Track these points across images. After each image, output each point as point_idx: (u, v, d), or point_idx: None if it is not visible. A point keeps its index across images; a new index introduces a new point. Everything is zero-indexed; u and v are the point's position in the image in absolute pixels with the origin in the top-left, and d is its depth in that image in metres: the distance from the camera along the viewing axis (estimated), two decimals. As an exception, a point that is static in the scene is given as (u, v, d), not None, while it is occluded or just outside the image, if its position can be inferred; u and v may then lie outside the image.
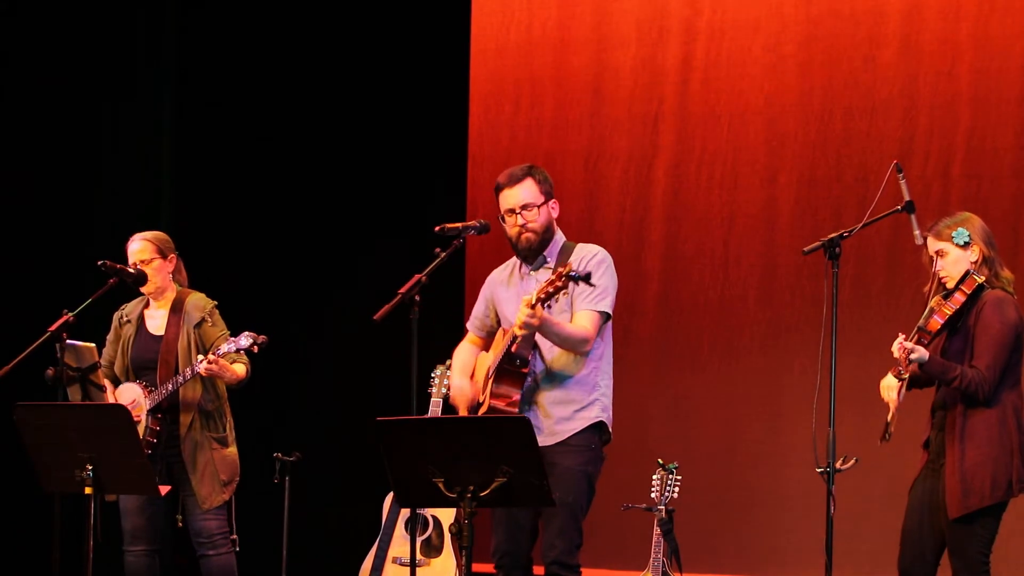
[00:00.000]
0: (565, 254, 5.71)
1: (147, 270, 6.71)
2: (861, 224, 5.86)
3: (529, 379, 5.61)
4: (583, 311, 5.58)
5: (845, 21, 8.02)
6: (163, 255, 6.76)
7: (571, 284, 5.38)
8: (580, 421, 5.63)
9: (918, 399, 5.91)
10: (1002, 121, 7.69)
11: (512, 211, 5.68)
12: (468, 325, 6.02)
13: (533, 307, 5.29)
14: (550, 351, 5.62)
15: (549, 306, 5.38)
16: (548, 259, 5.73)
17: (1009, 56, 7.69)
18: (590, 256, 5.68)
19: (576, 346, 5.59)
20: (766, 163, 8.17)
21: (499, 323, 5.88)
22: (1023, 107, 7.66)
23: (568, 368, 5.63)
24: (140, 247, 6.76)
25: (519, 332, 5.43)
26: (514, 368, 5.59)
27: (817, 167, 8.05)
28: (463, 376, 5.85)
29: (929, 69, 7.84)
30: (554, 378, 5.63)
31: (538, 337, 5.57)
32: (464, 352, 5.96)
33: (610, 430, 5.72)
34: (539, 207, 5.68)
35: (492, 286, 5.91)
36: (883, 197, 5.85)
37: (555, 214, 5.75)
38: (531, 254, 5.73)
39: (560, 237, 5.78)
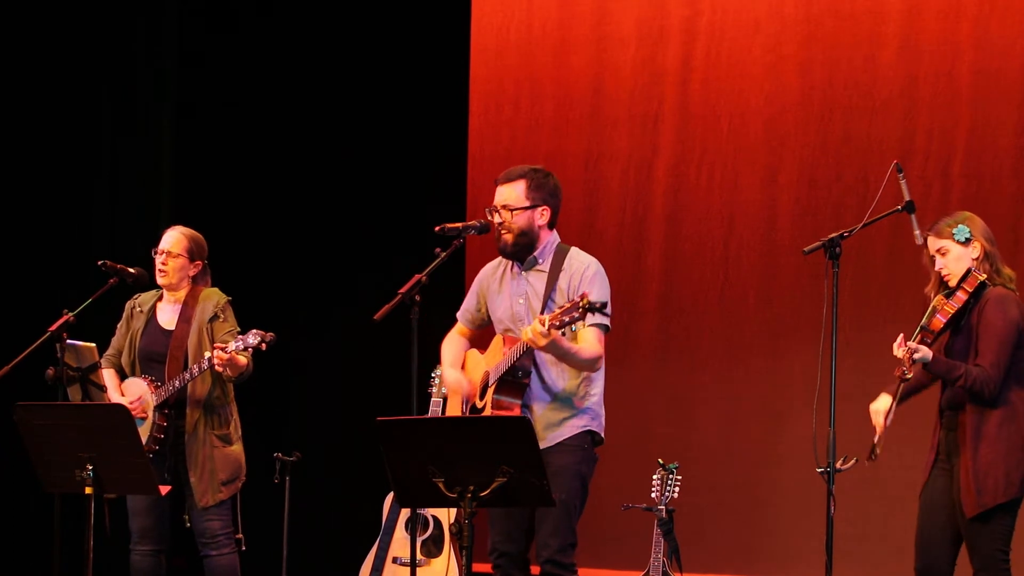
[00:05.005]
0: (559, 258, 5.71)
1: (169, 263, 6.68)
2: (861, 224, 5.87)
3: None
4: (589, 328, 5.55)
5: (845, 21, 8.01)
6: (190, 257, 6.71)
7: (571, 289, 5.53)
8: (569, 429, 5.66)
9: (923, 399, 5.91)
10: (1002, 121, 7.68)
11: (495, 208, 5.72)
12: (458, 315, 6.04)
13: (547, 332, 5.26)
14: (546, 360, 5.62)
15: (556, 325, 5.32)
16: (540, 260, 5.74)
17: (1009, 56, 7.68)
18: (583, 268, 5.67)
19: (589, 367, 5.62)
20: (766, 163, 8.17)
21: (489, 318, 5.91)
22: (1023, 107, 7.65)
23: (562, 377, 5.66)
24: (174, 239, 6.70)
25: (530, 342, 5.38)
26: (516, 379, 5.63)
27: (817, 167, 8.04)
28: (455, 367, 5.88)
29: (929, 69, 7.83)
30: (548, 386, 5.66)
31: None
32: (454, 344, 5.98)
33: (602, 435, 5.77)
34: (522, 210, 5.69)
35: (484, 282, 5.93)
36: (883, 197, 5.86)
37: (542, 220, 5.72)
38: (506, 255, 5.75)
39: (552, 239, 5.77)
